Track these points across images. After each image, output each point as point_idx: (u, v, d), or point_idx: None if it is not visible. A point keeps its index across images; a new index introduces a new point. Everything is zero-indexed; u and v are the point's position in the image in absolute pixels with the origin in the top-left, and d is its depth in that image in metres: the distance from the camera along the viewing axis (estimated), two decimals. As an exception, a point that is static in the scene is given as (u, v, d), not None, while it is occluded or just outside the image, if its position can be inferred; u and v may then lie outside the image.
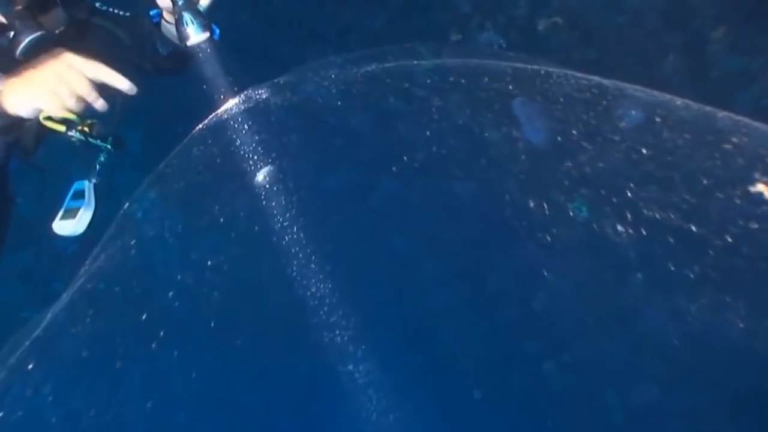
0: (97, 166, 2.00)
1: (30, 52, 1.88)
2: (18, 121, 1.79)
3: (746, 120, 3.24)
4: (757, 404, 3.78)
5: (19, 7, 1.87)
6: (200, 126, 2.27)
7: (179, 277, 4.40)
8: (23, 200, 4.90)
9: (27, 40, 1.86)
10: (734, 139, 3.02)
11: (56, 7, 1.98)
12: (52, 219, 2.02)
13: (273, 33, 4.61)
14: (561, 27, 3.65)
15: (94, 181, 2.03)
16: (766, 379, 3.77)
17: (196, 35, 1.89)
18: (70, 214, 1.99)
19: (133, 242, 2.94)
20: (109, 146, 1.94)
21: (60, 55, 1.73)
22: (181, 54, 2.08)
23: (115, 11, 2.17)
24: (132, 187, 4.84)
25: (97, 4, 2.16)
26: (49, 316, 2.65)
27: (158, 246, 4.17)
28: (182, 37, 1.90)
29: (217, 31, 2.00)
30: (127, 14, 2.17)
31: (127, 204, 2.66)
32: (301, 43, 4.64)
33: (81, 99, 1.72)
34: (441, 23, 4.17)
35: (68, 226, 1.97)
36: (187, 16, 1.88)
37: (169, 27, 2.03)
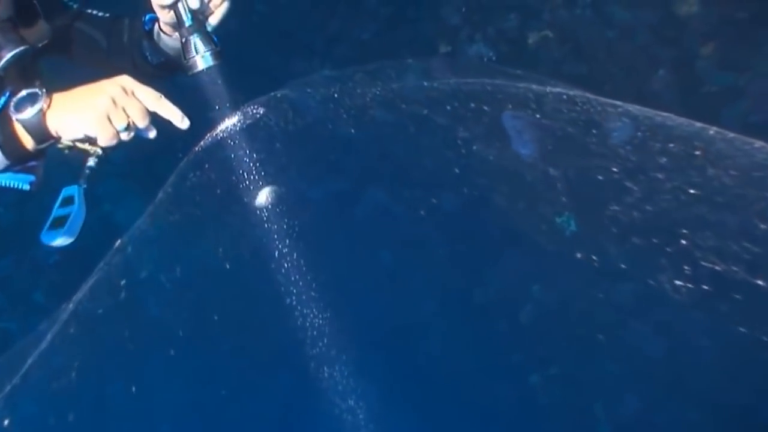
0: (87, 171, 1.78)
1: (11, 68, 1.75)
2: (53, 145, 1.63)
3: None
4: (744, 419, 3.77)
5: (2, 20, 1.74)
6: (195, 148, 2.17)
7: (163, 290, 4.33)
8: (3, 209, 4.80)
9: (9, 54, 1.73)
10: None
11: (40, 19, 1.84)
12: (39, 229, 1.89)
13: (259, 42, 4.55)
14: (551, 40, 3.63)
15: (84, 186, 1.83)
16: (752, 394, 3.76)
17: (204, 64, 1.68)
18: (60, 222, 1.78)
19: (122, 282, 2.87)
20: (99, 150, 1.73)
21: (118, 78, 1.58)
22: (173, 65, 1.93)
23: (93, 12, 2.02)
24: (115, 195, 4.77)
25: (74, 6, 2.01)
26: (34, 358, 2.54)
27: (145, 262, 4.10)
28: (189, 65, 1.69)
29: (215, 39, 1.80)
30: (106, 15, 2.03)
31: (119, 241, 2.55)
32: (288, 53, 4.59)
33: (134, 129, 1.58)
34: (430, 35, 4.14)
35: (59, 235, 1.77)
36: (196, 42, 1.67)
37: (165, 39, 1.88)
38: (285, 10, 4.59)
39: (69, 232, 1.76)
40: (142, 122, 1.56)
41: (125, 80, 1.58)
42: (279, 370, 5.04)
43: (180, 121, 1.60)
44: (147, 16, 1.93)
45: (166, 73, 2.02)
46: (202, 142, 2.13)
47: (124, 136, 1.57)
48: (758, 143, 3.08)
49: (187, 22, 1.68)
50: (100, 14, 2.03)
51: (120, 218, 4.55)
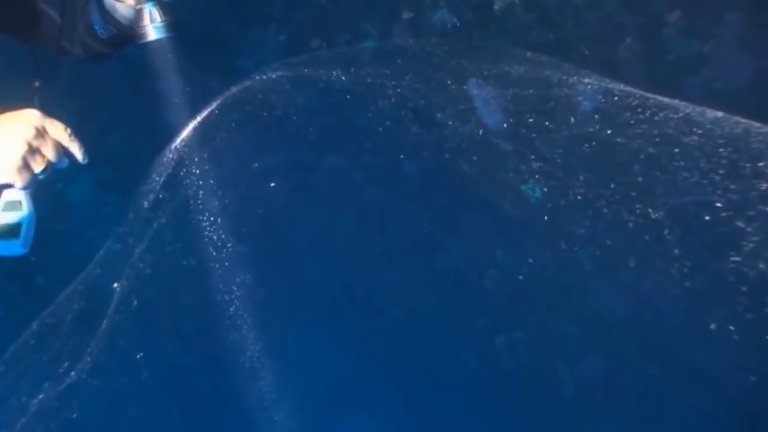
0: None
1: None
2: None
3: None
4: (703, 375, 3.83)
5: None
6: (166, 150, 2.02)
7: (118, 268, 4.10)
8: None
9: None
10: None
11: None
12: None
13: (212, 10, 4.25)
14: (517, 7, 3.49)
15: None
16: (712, 351, 3.82)
17: (156, 35, 1.62)
18: (8, 231, 1.57)
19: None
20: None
21: (26, 115, 1.44)
22: (124, 37, 1.76)
23: None
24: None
25: None
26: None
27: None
28: (140, 33, 1.62)
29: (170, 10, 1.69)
30: None
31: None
32: (243, 20, 4.31)
33: (50, 167, 1.47)
34: (392, 0, 3.94)
35: (12, 247, 1.55)
36: (152, 11, 1.60)
37: (120, 7, 1.69)
38: (238, -26, 4.30)
39: (25, 242, 1.56)
40: (59, 159, 1.47)
41: (34, 117, 1.44)
42: (242, 341, 4.91)
43: (81, 158, 1.51)
44: None
45: (113, 49, 1.83)
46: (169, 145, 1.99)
47: (41, 176, 1.47)
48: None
49: None
50: None
51: (72, 197, 4.27)
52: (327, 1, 4.13)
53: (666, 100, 3.12)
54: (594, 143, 3.60)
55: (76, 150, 1.49)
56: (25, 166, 1.41)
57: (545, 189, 3.90)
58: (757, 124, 2.20)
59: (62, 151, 1.46)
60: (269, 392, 4.76)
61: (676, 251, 3.72)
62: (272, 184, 4.60)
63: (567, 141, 3.71)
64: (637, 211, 3.75)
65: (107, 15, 1.71)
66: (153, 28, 1.60)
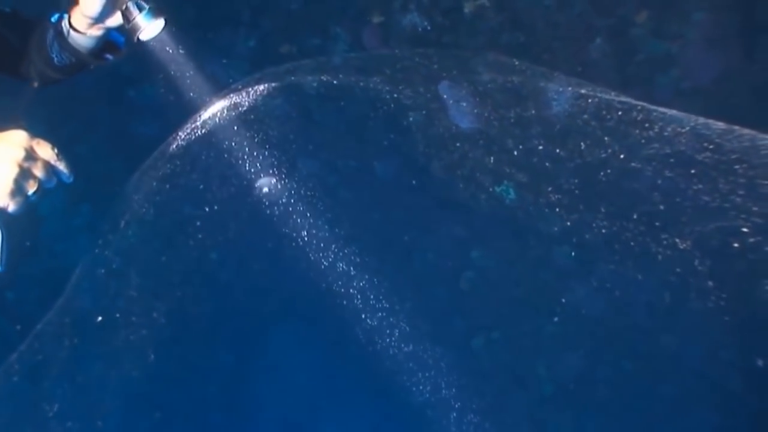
0: None
1: None
2: None
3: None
4: (677, 368, 3.85)
5: None
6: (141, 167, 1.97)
7: (98, 277, 4.00)
8: None
9: None
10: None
11: None
12: None
13: (180, 16, 4.15)
14: (488, 9, 3.44)
15: None
16: (685, 345, 3.83)
17: (147, 23, 1.59)
18: None
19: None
20: None
21: (13, 137, 1.36)
22: (77, 66, 1.76)
23: (6, 10, 1.78)
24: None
25: None
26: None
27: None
28: (133, 29, 1.59)
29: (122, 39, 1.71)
30: (6, 10, 1.78)
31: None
32: (212, 25, 4.21)
33: (41, 189, 1.41)
34: (362, 4, 3.87)
35: None
36: (138, 2, 1.59)
37: (77, 36, 1.69)
38: (206, -21, 4.20)
39: (2, 264, 1.48)
40: (50, 179, 1.41)
41: (23, 138, 1.37)
42: (218, 349, 4.83)
43: (68, 176, 1.46)
44: (55, 16, 1.73)
45: (67, 76, 1.82)
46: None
47: (33, 198, 1.40)
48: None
49: None
50: (8, 10, 1.78)
51: (44, 209, 4.14)
52: (297, 6, 4.05)
53: (632, 102, 3.10)
54: (566, 143, 3.58)
55: (64, 168, 1.44)
56: (19, 189, 1.34)
57: (519, 190, 3.88)
58: (761, 135, 2.16)
59: (52, 170, 1.41)
60: (251, 394, 4.71)
61: (652, 249, 3.71)
62: (249, 190, 4.53)
63: (540, 141, 3.68)
64: (612, 207, 3.74)
65: (65, 43, 1.70)
66: (141, 18, 1.59)
